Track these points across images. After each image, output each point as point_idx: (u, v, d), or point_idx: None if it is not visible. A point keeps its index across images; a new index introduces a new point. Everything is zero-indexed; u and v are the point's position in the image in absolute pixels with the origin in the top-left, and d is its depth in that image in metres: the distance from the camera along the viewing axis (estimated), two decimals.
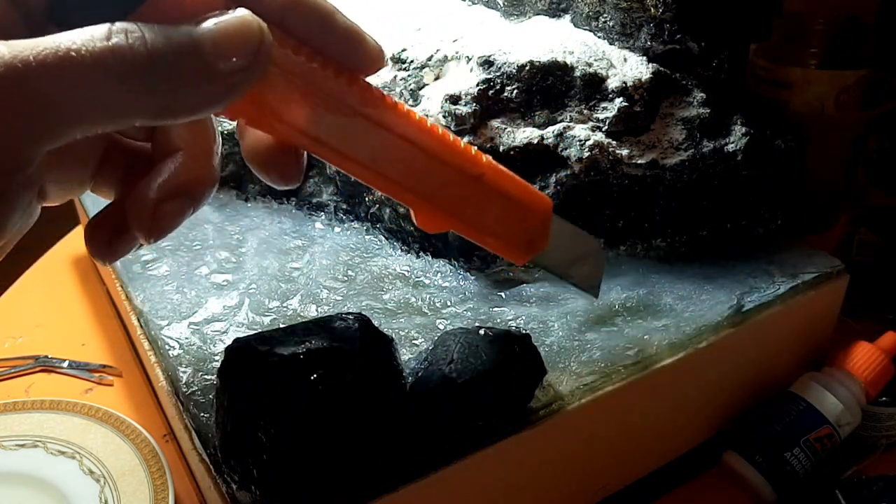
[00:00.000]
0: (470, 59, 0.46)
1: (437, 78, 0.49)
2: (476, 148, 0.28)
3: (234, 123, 0.27)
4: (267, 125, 0.25)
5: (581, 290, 0.36)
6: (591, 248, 0.36)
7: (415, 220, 0.29)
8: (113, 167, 0.27)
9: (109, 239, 0.26)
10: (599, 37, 0.49)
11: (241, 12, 0.20)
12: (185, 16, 0.20)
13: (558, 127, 0.43)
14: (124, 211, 0.25)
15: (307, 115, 0.24)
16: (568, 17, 0.52)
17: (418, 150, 0.26)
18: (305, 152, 0.26)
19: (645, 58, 0.47)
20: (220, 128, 0.27)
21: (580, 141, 0.42)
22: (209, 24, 0.20)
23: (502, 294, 0.42)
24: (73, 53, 0.18)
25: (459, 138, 0.27)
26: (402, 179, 0.27)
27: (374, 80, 0.50)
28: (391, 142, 0.26)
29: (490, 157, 0.28)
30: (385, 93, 0.26)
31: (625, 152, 0.43)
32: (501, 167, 0.29)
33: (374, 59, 0.25)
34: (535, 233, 0.30)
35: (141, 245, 0.27)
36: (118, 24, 0.19)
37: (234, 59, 0.20)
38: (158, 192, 0.25)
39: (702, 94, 0.46)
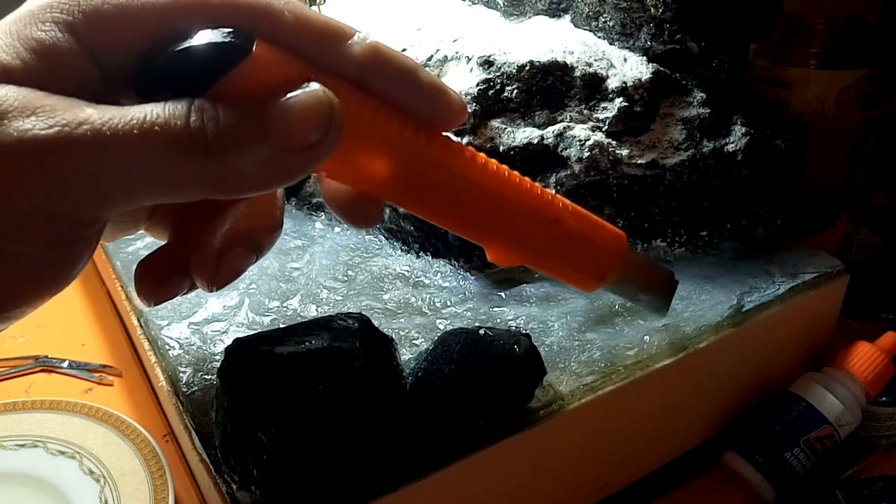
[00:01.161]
0: (470, 59, 0.46)
1: None
2: (553, 192, 0.28)
3: None
4: (346, 180, 0.25)
5: (648, 311, 0.37)
6: (664, 278, 0.36)
7: (487, 256, 0.29)
8: (169, 210, 0.27)
9: (160, 281, 0.26)
10: (599, 37, 0.49)
11: (313, 88, 0.20)
12: (262, 89, 0.20)
13: (558, 127, 0.43)
14: (183, 257, 0.25)
15: (386, 172, 0.24)
16: (568, 17, 0.52)
17: (496, 199, 0.26)
18: None
19: (645, 58, 0.47)
20: None
21: (580, 141, 0.42)
22: (280, 102, 0.20)
23: (502, 294, 0.43)
24: (157, 128, 0.19)
25: (536, 184, 0.28)
26: (480, 225, 0.27)
27: None
28: (470, 192, 0.26)
29: (566, 200, 0.29)
30: (462, 143, 0.26)
31: (625, 152, 0.43)
32: (578, 209, 0.29)
33: (456, 114, 0.24)
34: (607, 269, 0.31)
35: (189, 290, 0.26)
36: (196, 103, 0.19)
37: (303, 140, 0.20)
38: (223, 241, 0.25)
39: (702, 94, 0.46)
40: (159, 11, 0.20)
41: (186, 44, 0.20)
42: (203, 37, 0.20)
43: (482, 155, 0.26)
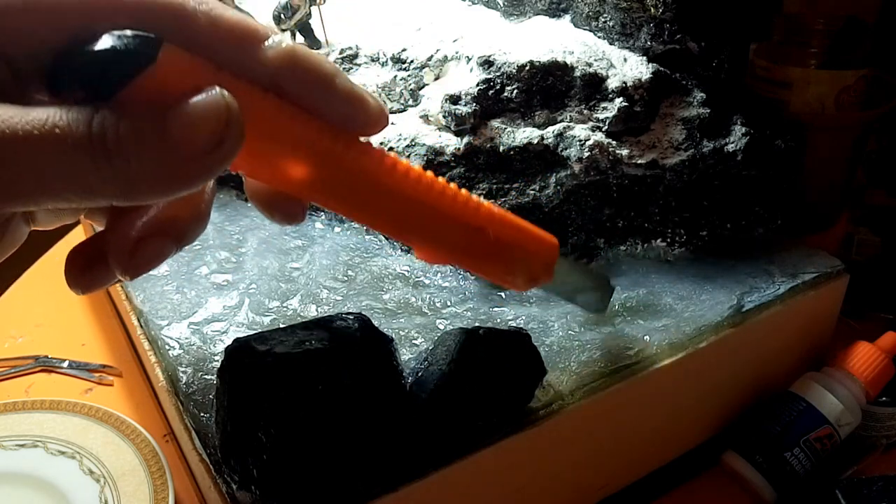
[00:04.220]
0: (470, 59, 0.46)
1: (437, 78, 0.49)
2: (480, 198, 0.28)
3: None
4: (265, 181, 0.25)
5: (586, 310, 0.39)
6: (599, 281, 0.38)
7: (415, 255, 0.29)
8: None
9: (86, 268, 0.26)
10: (599, 37, 0.49)
11: (212, 94, 0.20)
12: (166, 95, 0.20)
13: (558, 127, 0.43)
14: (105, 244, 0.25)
15: (303, 176, 0.24)
16: (568, 17, 0.52)
17: (415, 205, 0.26)
18: None
19: (645, 58, 0.47)
20: None
21: (580, 141, 0.42)
22: (178, 108, 0.20)
23: (502, 294, 0.42)
24: (57, 130, 0.18)
25: (461, 190, 0.28)
26: (400, 229, 0.27)
27: (375, 79, 0.50)
28: (391, 198, 0.26)
29: (494, 207, 0.29)
30: (383, 149, 0.26)
31: (625, 152, 0.43)
32: (506, 215, 0.29)
33: (374, 121, 0.24)
34: (538, 272, 0.31)
35: (119, 280, 0.26)
36: (100, 109, 0.19)
37: (201, 146, 0.20)
38: (140, 230, 0.24)
39: (702, 94, 0.46)
40: (72, 8, 0.20)
41: (95, 45, 0.19)
42: (108, 40, 0.20)
43: (404, 162, 0.26)
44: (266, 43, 0.22)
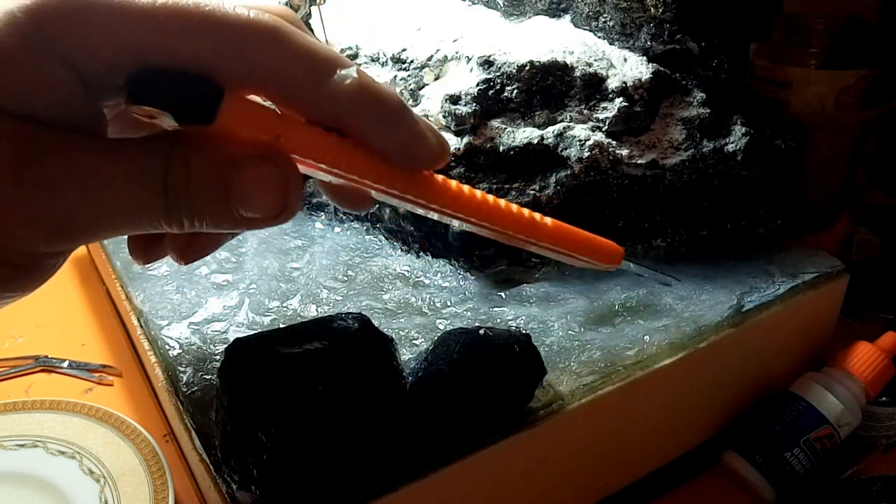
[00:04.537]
0: (470, 59, 0.46)
1: (437, 78, 0.49)
2: (539, 216, 0.29)
3: None
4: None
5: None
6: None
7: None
8: None
9: (146, 245, 0.27)
10: (599, 37, 0.49)
11: (271, 167, 0.21)
12: (229, 149, 0.21)
13: (558, 127, 0.43)
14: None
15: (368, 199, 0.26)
16: (568, 17, 0.52)
17: (485, 226, 0.28)
18: None
19: (645, 58, 0.47)
20: None
21: (580, 141, 0.42)
22: (242, 174, 0.21)
23: (502, 294, 0.42)
24: (129, 165, 0.20)
25: (522, 209, 0.28)
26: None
27: (376, 78, 0.50)
28: (456, 216, 0.27)
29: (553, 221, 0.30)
30: (452, 181, 0.26)
31: (625, 152, 0.43)
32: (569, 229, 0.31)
33: (436, 159, 0.25)
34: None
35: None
36: (177, 155, 0.21)
37: (256, 213, 0.22)
38: None
39: (702, 94, 0.46)
40: (152, 26, 0.20)
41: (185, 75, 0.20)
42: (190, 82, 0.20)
43: (467, 188, 0.26)
44: (336, 75, 0.22)
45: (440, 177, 0.26)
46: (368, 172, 0.24)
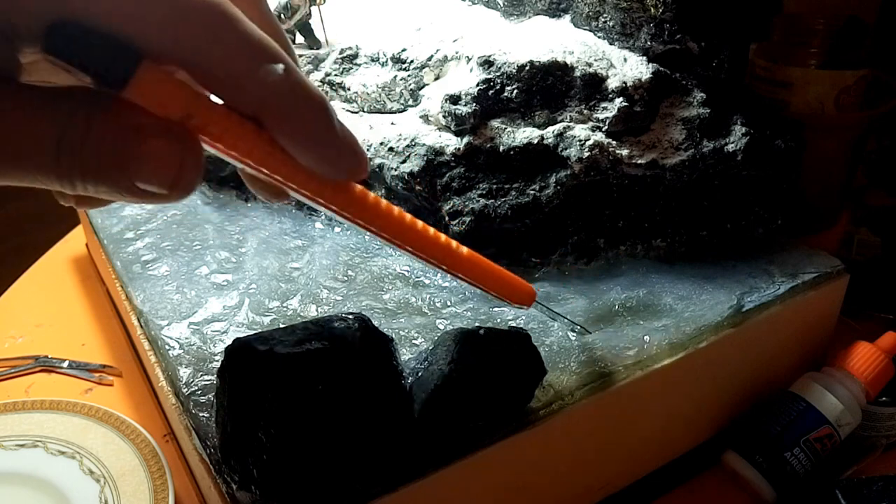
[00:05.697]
0: (470, 59, 0.46)
1: (437, 78, 0.49)
2: (455, 243, 0.30)
3: None
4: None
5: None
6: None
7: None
8: None
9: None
10: (599, 37, 0.49)
11: (170, 143, 0.21)
12: (139, 116, 0.21)
13: (558, 127, 0.43)
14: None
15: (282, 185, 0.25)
16: (568, 17, 0.52)
17: (397, 243, 0.28)
18: None
19: (645, 58, 0.47)
20: None
21: (580, 141, 0.42)
22: (143, 145, 0.21)
23: None
24: (39, 111, 0.20)
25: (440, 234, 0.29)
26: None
27: (375, 79, 0.50)
28: (368, 229, 0.27)
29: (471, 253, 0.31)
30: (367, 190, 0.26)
31: (625, 152, 0.43)
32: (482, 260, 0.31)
33: (344, 173, 0.24)
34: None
35: None
36: (83, 109, 0.20)
37: (153, 185, 0.21)
38: None
39: (702, 94, 0.46)
40: None
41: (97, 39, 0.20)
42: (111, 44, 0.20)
43: (384, 203, 0.26)
44: (267, 66, 0.21)
45: (359, 187, 0.25)
46: (281, 169, 0.23)
